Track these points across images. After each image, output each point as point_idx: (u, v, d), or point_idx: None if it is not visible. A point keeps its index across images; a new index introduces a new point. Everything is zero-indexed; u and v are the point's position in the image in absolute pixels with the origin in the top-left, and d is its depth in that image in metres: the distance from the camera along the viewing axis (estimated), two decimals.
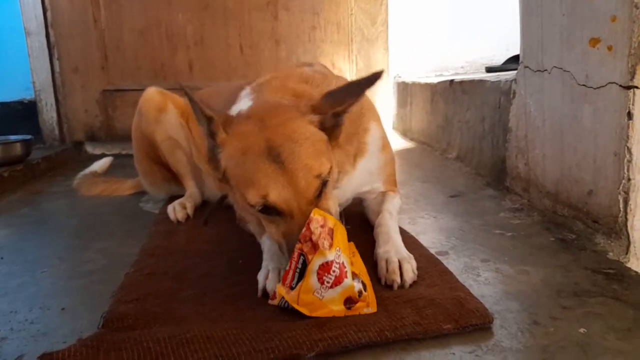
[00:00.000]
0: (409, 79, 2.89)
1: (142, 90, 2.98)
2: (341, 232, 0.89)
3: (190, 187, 1.68)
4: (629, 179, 1.03)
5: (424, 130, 2.59)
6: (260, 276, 0.99)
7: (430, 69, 3.14)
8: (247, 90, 1.20)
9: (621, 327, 0.80)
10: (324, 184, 0.91)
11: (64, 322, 0.94)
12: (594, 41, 1.08)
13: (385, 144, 1.31)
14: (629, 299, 0.89)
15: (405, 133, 2.95)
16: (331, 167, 0.93)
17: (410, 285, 0.97)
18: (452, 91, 2.13)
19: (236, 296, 1.00)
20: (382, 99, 3.00)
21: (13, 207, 1.88)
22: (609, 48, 1.04)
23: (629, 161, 1.02)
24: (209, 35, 2.91)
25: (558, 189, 1.29)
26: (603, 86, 1.07)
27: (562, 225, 1.25)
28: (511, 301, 0.92)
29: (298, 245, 0.85)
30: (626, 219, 1.05)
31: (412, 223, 1.41)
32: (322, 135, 0.97)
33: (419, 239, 1.25)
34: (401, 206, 1.37)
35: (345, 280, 0.84)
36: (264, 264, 1.03)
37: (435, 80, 2.37)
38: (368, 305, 0.87)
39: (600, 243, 1.11)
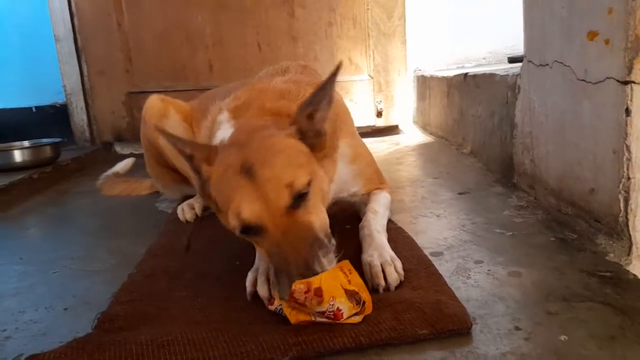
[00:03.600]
0: (428, 72, 2.84)
1: (165, 91, 3.08)
2: (331, 281, 0.83)
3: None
4: (628, 178, 0.99)
5: (441, 124, 2.54)
6: (248, 280, 1.00)
7: (451, 61, 3.08)
8: (225, 114, 1.19)
9: (605, 335, 0.78)
10: (301, 196, 0.88)
11: (65, 322, 0.99)
12: (592, 34, 1.04)
13: (355, 156, 1.29)
14: (618, 304, 0.86)
15: (424, 127, 2.91)
16: (310, 180, 0.90)
17: (397, 287, 0.97)
18: (466, 85, 2.09)
19: (226, 297, 1.02)
20: (401, 94, 2.96)
21: (40, 207, 1.98)
22: (606, 42, 1.00)
23: (628, 159, 0.98)
24: (227, 34, 2.95)
25: (561, 187, 1.25)
26: (601, 81, 1.03)
27: (565, 224, 1.21)
28: (496, 305, 0.90)
29: (289, 304, 0.84)
30: (627, 219, 1.01)
31: (414, 221, 1.40)
32: (302, 147, 0.96)
33: (418, 238, 1.24)
34: (390, 200, 1.36)
35: (341, 319, 0.83)
36: (255, 265, 1.04)
37: (452, 73, 2.32)
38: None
39: (601, 244, 1.07)
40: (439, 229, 1.33)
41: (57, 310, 1.05)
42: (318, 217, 0.92)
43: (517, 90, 1.46)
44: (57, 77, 3.03)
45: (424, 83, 2.84)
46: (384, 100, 2.96)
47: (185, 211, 1.59)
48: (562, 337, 0.78)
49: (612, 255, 1.03)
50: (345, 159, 1.25)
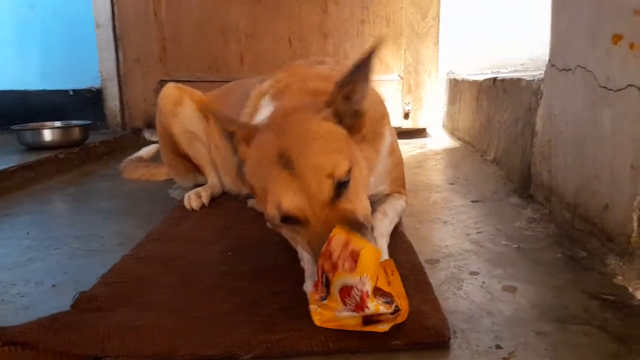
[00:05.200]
0: (459, 75, 2.75)
1: (196, 82, 3.12)
2: (371, 259, 0.78)
3: (211, 177, 1.73)
4: None
5: (469, 129, 2.45)
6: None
7: (487, 66, 2.96)
8: (267, 98, 1.18)
9: None
10: (342, 184, 0.84)
11: (50, 298, 1.01)
12: (616, 38, 0.96)
13: (393, 149, 1.28)
14: (617, 330, 0.78)
15: (452, 132, 2.82)
16: (350, 167, 0.86)
17: None
18: (495, 89, 2.00)
19: (210, 287, 1.01)
20: (430, 96, 2.88)
21: (62, 186, 2.04)
22: (631, 46, 0.92)
23: None
24: (260, 28, 2.96)
25: (577, 201, 1.16)
26: (622, 89, 0.95)
27: (576, 241, 1.13)
28: (482, 320, 0.84)
29: (320, 260, 0.79)
30: None
31: (419, 226, 1.35)
32: (340, 131, 0.92)
33: (418, 244, 1.18)
34: (404, 208, 1.32)
35: (367, 310, 0.75)
36: (306, 274, 0.95)
37: (482, 77, 2.23)
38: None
39: (611, 264, 0.99)
40: (442, 236, 1.27)
41: (46, 286, 1.06)
42: (361, 206, 0.88)
43: (539, 96, 1.37)
44: (95, 63, 3.12)
45: (455, 87, 2.75)
46: (413, 102, 2.89)
47: (192, 199, 1.60)
48: None
49: (620, 277, 0.95)
50: (386, 148, 1.23)
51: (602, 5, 1.04)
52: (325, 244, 0.78)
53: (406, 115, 2.90)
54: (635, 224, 0.93)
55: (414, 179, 1.92)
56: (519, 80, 1.65)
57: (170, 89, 1.70)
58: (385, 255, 1.02)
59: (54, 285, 1.07)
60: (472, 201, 1.56)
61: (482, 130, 2.19)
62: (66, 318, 0.84)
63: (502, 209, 1.46)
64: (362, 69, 0.90)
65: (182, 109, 1.64)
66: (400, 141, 2.74)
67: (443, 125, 3.05)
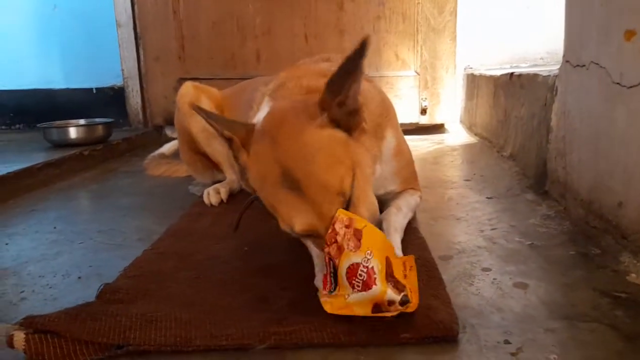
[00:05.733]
0: (477, 70, 2.73)
1: (214, 79, 3.17)
2: (374, 236, 0.82)
3: (229, 174, 1.76)
4: None
5: (486, 125, 2.44)
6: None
7: (505, 61, 2.94)
8: (268, 94, 1.17)
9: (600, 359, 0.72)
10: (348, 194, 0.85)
11: (75, 289, 1.06)
12: (629, 34, 0.95)
13: (399, 151, 1.27)
14: (626, 328, 0.78)
15: (470, 127, 2.81)
16: (354, 172, 0.86)
17: None
18: (512, 85, 1.99)
19: (224, 282, 1.04)
20: (447, 92, 2.87)
21: (85, 183, 2.11)
22: None
23: None
24: (276, 25, 2.98)
25: (592, 198, 1.16)
26: (635, 85, 0.94)
27: (590, 238, 1.13)
28: (492, 316, 0.85)
29: (325, 249, 0.83)
30: None
31: (433, 223, 1.36)
32: (339, 135, 0.89)
33: (431, 240, 1.19)
34: (418, 203, 1.33)
35: (375, 287, 0.78)
36: (316, 269, 0.97)
37: (499, 72, 2.22)
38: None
39: (624, 262, 0.99)
40: (456, 233, 1.28)
41: (72, 278, 1.11)
42: (367, 208, 0.89)
43: (554, 92, 1.37)
44: (117, 61, 3.19)
45: (473, 82, 2.73)
46: (429, 97, 2.88)
47: (211, 195, 1.63)
48: (552, 356, 0.73)
49: (634, 275, 0.95)
50: (389, 151, 1.22)
51: (614, 0, 1.03)
52: (330, 229, 0.80)
53: (423, 111, 2.90)
54: None
55: (430, 175, 1.93)
56: (535, 75, 1.64)
57: (187, 88, 1.74)
58: (398, 251, 1.04)
59: (79, 277, 1.11)
60: (487, 197, 1.56)
61: (499, 126, 2.17)
62: (91, 308, 0.88)
63: (517, 205, 1.46)
64: (350, 68, 0.85)
65: None
66: (417, 137, 2.79)
67: (461, 121, 3.04)
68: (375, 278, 0.79)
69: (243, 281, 1.04)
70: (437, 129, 2.95)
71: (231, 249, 1.23)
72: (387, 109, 1.27)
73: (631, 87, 0.96)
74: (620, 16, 0.99)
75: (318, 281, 0.93)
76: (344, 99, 0.88)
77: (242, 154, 0.94)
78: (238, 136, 0.94)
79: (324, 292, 0.86)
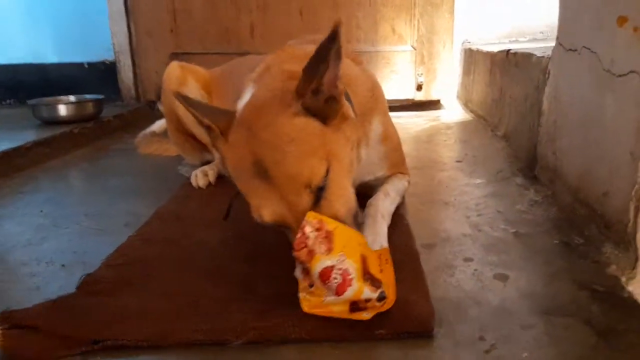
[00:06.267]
0: (474, 45, 2.67)
1: (208, 54, 3.10)
2: (347, 236, 0.81)
3: (218, 155, 1.74)
4: None
5: (482, 102, 2.40)
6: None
7: (504, 34, 2.87)
8: (252, 79, 1.13)
9: (571, 356, 0.72)
10: (321, 188, 0.83)
11: (58, 278, 1.05)
12: (622, 20, 0.92)
13: (387, 136, 1.24)
14: (600, 324, 0.79)
15: (466, 104, 2.77)
16: (328, 165, 0.84)
17: None
18: (507, 62, 1.94)
19: (210, 270, 1.04)
20: (444, 67, 2.81)
21: (76, 162, 2.09)
22: (635, 29, 0.88)
23: None
24: None
25: (579, 185, 1.15)
26: (625, 74, 0.91)
27: (575, 226, 1.12)
28: (470, 309, 0.86)
29: (295, 254, 0.81)
30: (635, 230, 0.91)
31: (421, 207, 1.35)
32: (313, 124, 0.86)
33: (417, 227, 1.19)
34: (407, 188, 1.32)
35: (350, 288, 0.77)
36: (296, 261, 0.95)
37: (496, 49, 2.17)
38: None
39: (606, 253, 0.98)
40: (442, 219, 1.27)
41: (56, 266, 1.11)
42: (341, 204, 0.87)
43: (547, 75, 1.33)
44: (108, 35, 3.13)
45: (470, 57, 2.68)
46: (426, 73, 2.83)
47: (199, 177, 1.62)
48: (524, 355, 0.73)
49: (614, 267, 0.94)
50: (377, 136, 1.20)
51: None
52: (299, 233, 0.79)
53: (419, 87, 2.85)
54: (631, 214, 0.91)
55: (422, 155, 1.91)
56: (529, 55, 1.60)
57: (173, 68, 1.70)
58: (384, 241, 1.03)
59: (63, 265, 1.11)
60: (477, 181, 1.55)
61: (494, 105, 2.14)
62: (70, 301, 0.89)
63: (506, 189, 1.44)
64: (327, 53, 0.81)
65: (186, 89, 1.64)
66: (412, 113, 2.75)
67: (457, 96, 3.00)
68: (351, 279, 0.78)
69: (229, 269, 1.04)
70: (432, 105, 2.91)
71: (218, 236, 1.22)
72: (376, 94, 1.24)
73: (621, 75, 0.93)
74: (614, 1, 0.95)
75: (298, 272, 0.92)
76: (317, 86, 0.85)
77: (220, 142, 0.93)
78: (218, 124, 0.92)
79: (304, 284, 0.85)
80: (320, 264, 0.79)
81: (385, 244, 1.02)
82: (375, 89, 1.25)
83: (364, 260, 0.81)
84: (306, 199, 0.82)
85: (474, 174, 1.61)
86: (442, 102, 2.95)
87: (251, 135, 0.86)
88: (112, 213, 1.44)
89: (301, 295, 0.84)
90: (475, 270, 0.98)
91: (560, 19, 1.24)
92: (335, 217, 0.84)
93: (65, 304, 0.87)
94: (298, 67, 1.04)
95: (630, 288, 0.90)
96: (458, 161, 1.78)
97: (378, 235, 1.04)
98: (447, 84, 2.85)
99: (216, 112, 0.97)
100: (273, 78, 1.05)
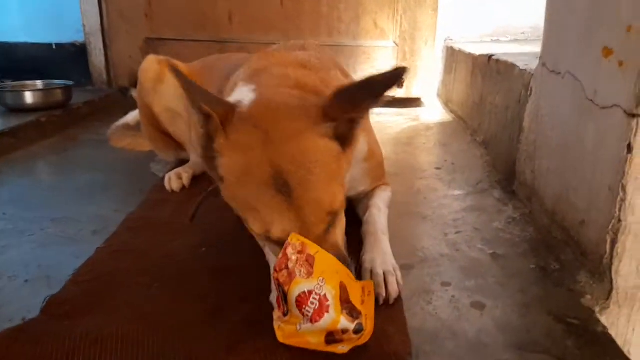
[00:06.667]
0: (457, 44, 2.65)
1: (184, 41, 3.00)
2: (327, 261, 0.79)
3: (193, 157, 1.69)
4: (619, 220, 0.89)
5: (462, 104, 2.40)
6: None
7: (487, 33, 2.86)
8: (242, 77, 1.07)
9: None
10: (335, 214, 0.82)
11: (21, 297, 1.00)
12: (607, 52, 0.91)
13: (371, 154, 1.22)
14: None
15: (446, 103, 2.76)
16: (344, 196, 0.82)
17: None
18: (489, 68, 1.93)
19: (180, 287, 1.01)
20: (426, 65, 2.80)
21: (43, 153, 2.00)
22: (620, 63, 0.87)
23: (622, 200, 0.88)
24: None
25: (556, 209, 1.15)
26: (608, 107, 0.91)
27: (551, 250, 1.13)
28: (446, 342, 0.85)
29: (274, 275, 0.78)
30: (611, 263, 0.92)
31: (398, 221, 1.33)
32: (336, 149, 0.83)
33: (395, 244, 1.14)
34: (391, 198, 1.30)
35: (327, 315, 0.75)
36: (273, 285, 0.90)
37: (478, 52, 2.15)
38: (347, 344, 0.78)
39: (581, 281, 0.99)
40: (420, 235, 1.26)
41: (19, 282, 1.06)
42: (340, 230, 0.87)
43: (529, 92, 1.32)
44: (79, 15, 2.99)
45: (452, 56, 2.66)
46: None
47: (172, 180, 1.57)
48: None
49: (589, 297, 0.95)
50: (361, 155, 1.16)
51: (596, 9, 0.98)
52: (281, 254, 0.77)
53: (400, 84, 2.82)
54: (608, 246, 0.92)
55: (402, 159, 1.90)
56: (512, 66, 1.59)
57: (151, 62, 1.62)
58: (392, 259, 1.01)
59: (26, 281, 1.06)
60: (455, 193, 1.54)
61: (475, 108, 2.14)
62: (33, 328, 0.84)
63: (484, 202, 1.44)
64: (382, 91, 0.78)
65: (163, 86, 1.58)
66: (392, 111, 2.72)
67: (438, 94, 2.99)
68: (328, 306, 0.77)
69: (199, 287, 1.01)
70: (413, 102, 2.89)
71: (189, 247, 1.19)
72: None
73: (604, 107, 0.92)
74: (599, 30, 0.94)
75: (273, 298, 0.90)
76: (356, 116, 0.83)
77: (219, 136, 0.83)
78: (220, 115, 0.83)
79: (279, 313, 0.84)
80: (298, 288, 0.77)
81: (393, 262, 1.00)
82: None
83: (343, 288, 0.80)
84: (324, 226, 0.80)
85: (453, 184, 1.60)
86: (422, 100, 2.93)
87: (269, 141, 0.80)
88: (79, 218, 1.38)
89: (275, 325, 0.82)
90: (453, 296, 0.98)
91: (545, 39, 1.22)
92: (336, 244, 0.83)
93: (27, 332, 0.83)
94: (302, 75, 1.01)
95: (603, 318, 0.91)
96: (437, 168, 1.77)
97: (386, 254, 1.02)
98: (427, 82, 2.83)
99: (214, 99, 0.86)
100: (278, 81, 0.99)
